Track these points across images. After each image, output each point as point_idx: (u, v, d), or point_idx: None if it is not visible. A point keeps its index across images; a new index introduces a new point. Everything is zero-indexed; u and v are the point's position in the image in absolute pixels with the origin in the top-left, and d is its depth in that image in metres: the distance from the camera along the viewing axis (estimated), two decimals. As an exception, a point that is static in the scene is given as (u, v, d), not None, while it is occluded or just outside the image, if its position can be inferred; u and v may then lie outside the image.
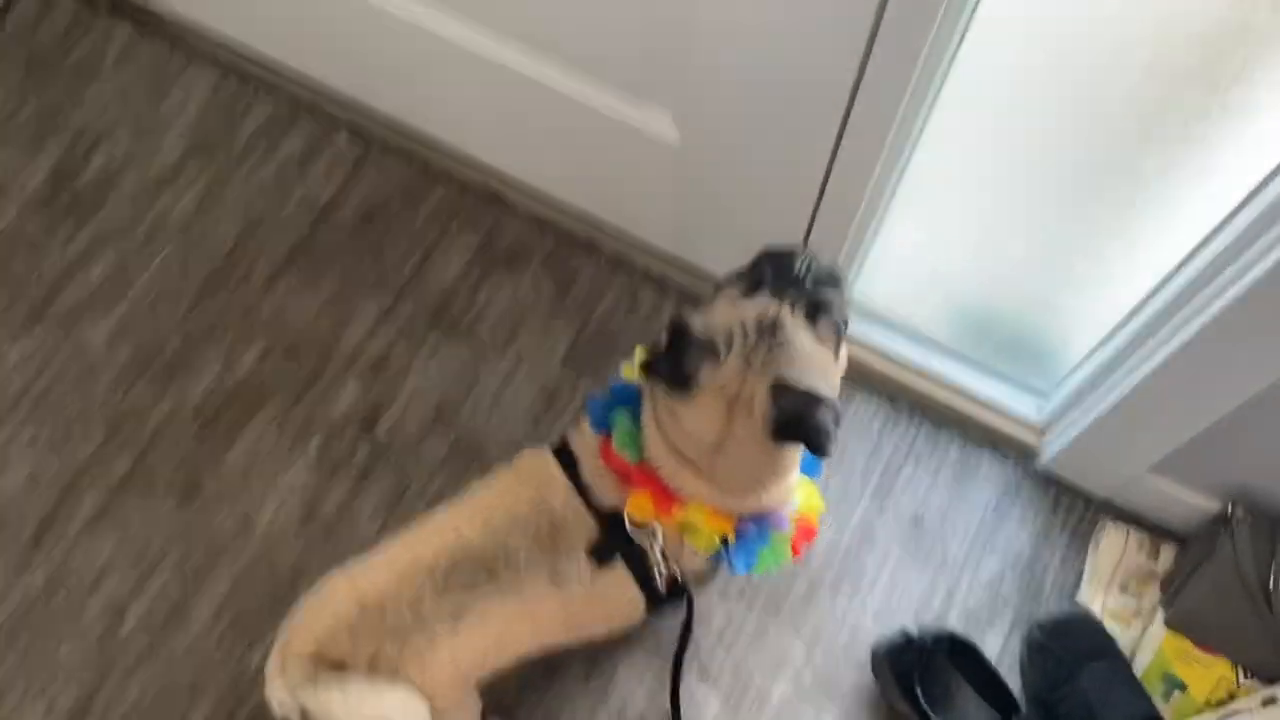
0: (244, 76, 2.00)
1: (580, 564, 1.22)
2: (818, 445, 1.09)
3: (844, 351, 1.22)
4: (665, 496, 1.20)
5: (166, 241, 1.89)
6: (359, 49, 1.76)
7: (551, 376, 1.79)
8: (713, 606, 1.69)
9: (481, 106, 1.73)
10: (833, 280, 1.22)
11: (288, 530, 1.71)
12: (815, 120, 1.38)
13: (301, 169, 1.94)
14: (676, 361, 1.10)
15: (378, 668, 1.18)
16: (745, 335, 1.13)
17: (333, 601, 1.21)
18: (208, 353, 1.82)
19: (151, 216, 1.90)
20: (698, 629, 1.67)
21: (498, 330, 1.83)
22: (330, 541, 1.69)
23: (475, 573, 1.20)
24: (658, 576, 1.25)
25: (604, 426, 1.24)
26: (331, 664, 1.18)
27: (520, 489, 1.25)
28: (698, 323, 1.14)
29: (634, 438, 1.21)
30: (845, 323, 1.21)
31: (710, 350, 1.11)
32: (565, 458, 1.26)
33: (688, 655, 1.64)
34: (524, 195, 1.89)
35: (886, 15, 1.19)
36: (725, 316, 1.15)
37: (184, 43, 2.02)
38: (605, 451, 1.23)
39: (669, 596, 1.30)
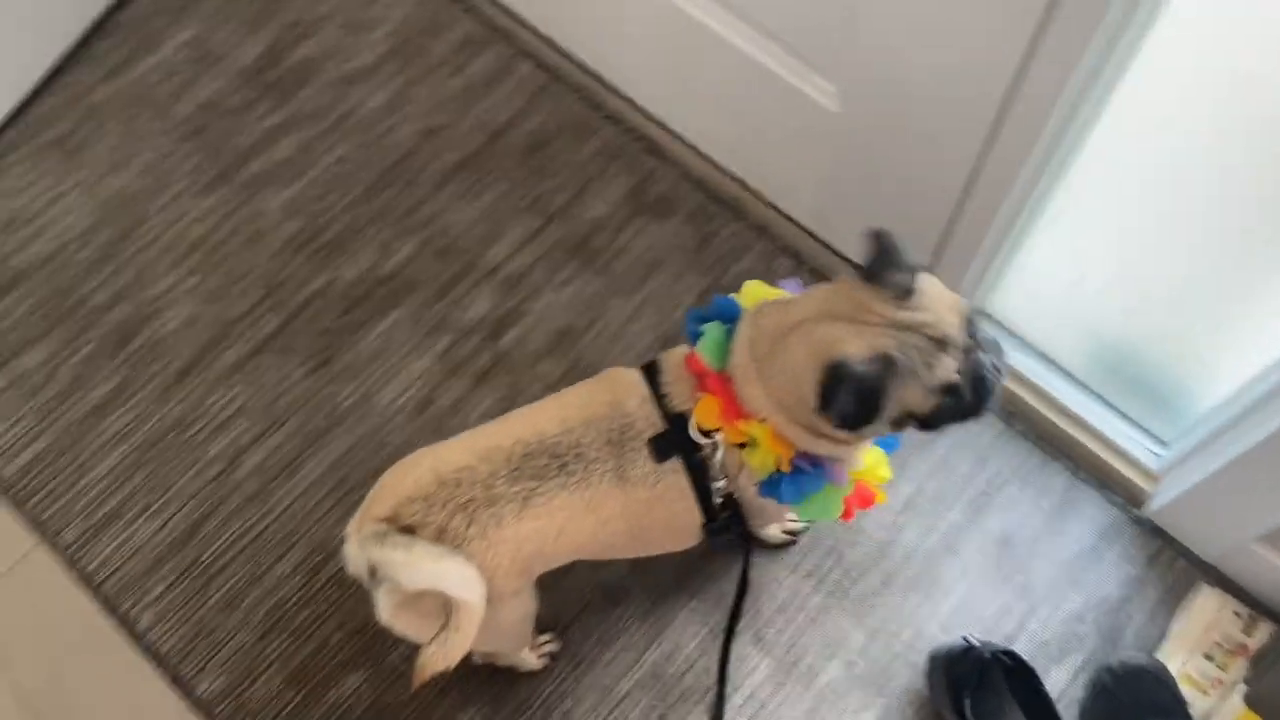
0: (451, -6, 2.12)
1: (644, 464, 1.27)
2: (859, 427, 1.15)
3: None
4: (733, 408, 1.24)
5: (351, 133, 2.02)
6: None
7: (673, 324, 1.84)
8: (780, 579, 1.71)
9: (659, 55, 1.78)
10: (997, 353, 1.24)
11: (402, 414, 1.81)
12: (968, 115, 1.38)
13: (486, 89, 2.04)
14: (891, 263, 1.15)
15: (444, 538, 1.25)
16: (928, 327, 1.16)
17: (414, 472, 1.29)
18: (366, 241, 1.94)
19: (342, 108, 2.04)
20: (760, 597, 1.69)
21: (633, 271, 1.89)
22: (438, 432, 1.78)
23: (547, 463, 1.26)
24: (714, 489, 1.28)
25: (697, 334, 1.29)
26: (403, 528, 1.26)
27: (600, 393, 1.31)
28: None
29: (720, 346, 1.26)
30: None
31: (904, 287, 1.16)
32: (650, 370, 1.32)
33: (744, 616, 1.68)
34: (683, 149, 1.94)
35: (1052, 18, 1.19)
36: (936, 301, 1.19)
37: (404, -45, 2.16)
38: (691, 357, 1.28)
39: (724, 528, 1.33)
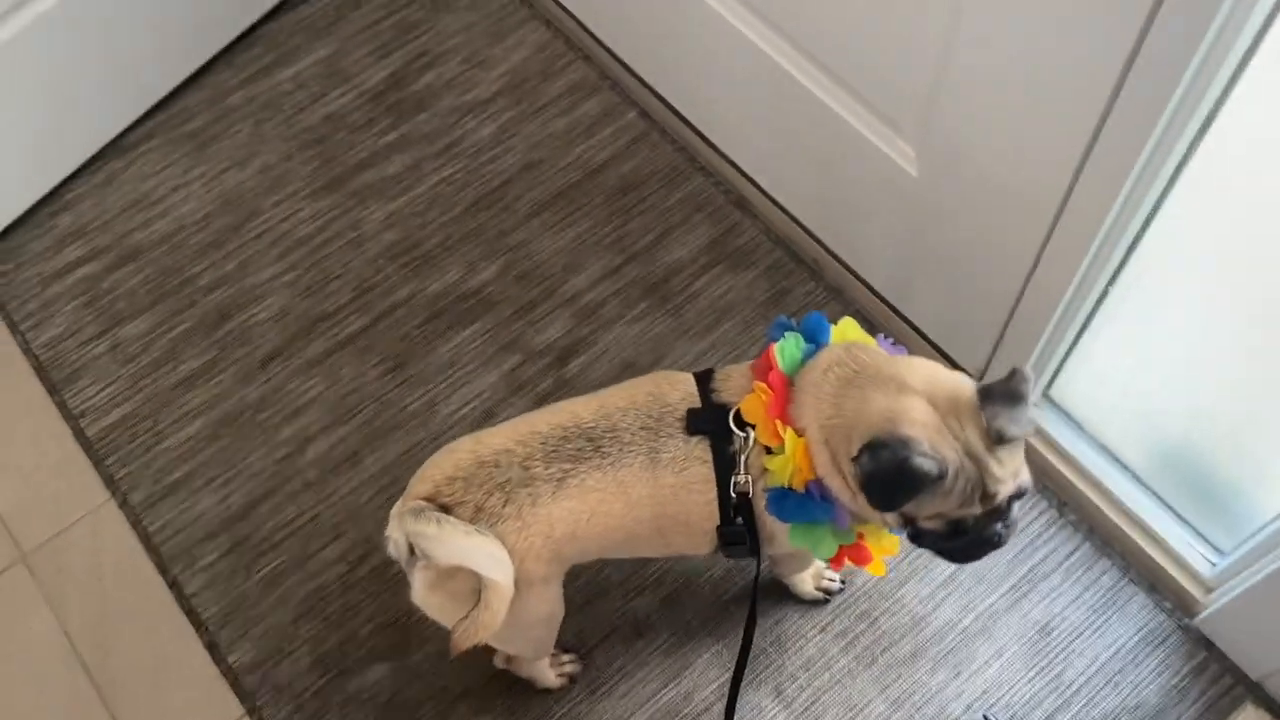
0: (570, 41, 2.22)
1: (675, 448, 1.31)
2: (869, 495, 1.20)
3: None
4: (780, 409, 1.27)
5: (457, 158, 2.13)
6: (664, 36, 1.93)
7: (736, 371, 1.87)
8: (809, 636, 1.69)
9: (754, 111, 1.85)
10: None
11: (462, 425, 1.87)
12: (1036, 193, 1.40)
13: (589, 131, 2.13)
14: (1011, 402, 1.19)
15: (480, 516, 1.29)
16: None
17: (455, 455, 1.34)
18: (456, 258, 2.03)
19: (453, 135, 2.15)
20: (786, 650, 1.68)
21: (703, 316, 1.93)
22: (492, 446, 1.83)
23: (583, 446, 1.31)
24: (734, 481, 1.30)
25: (779, 336, 1.33)
26: (442, 507, 1.31)
27: (644, 385, 1.36)
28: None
29: (794, 354, 1.30)
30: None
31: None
32: (703, 375, 1.36)
33: (768, 669, 1.67)
34: (769, 206, 1.99)
35: (1116, 106, 1.21)
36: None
37: (531, 1, 2.28)
38: (766, 351, 1.32)
39: (738, 538, 1.34)
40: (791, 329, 1.35)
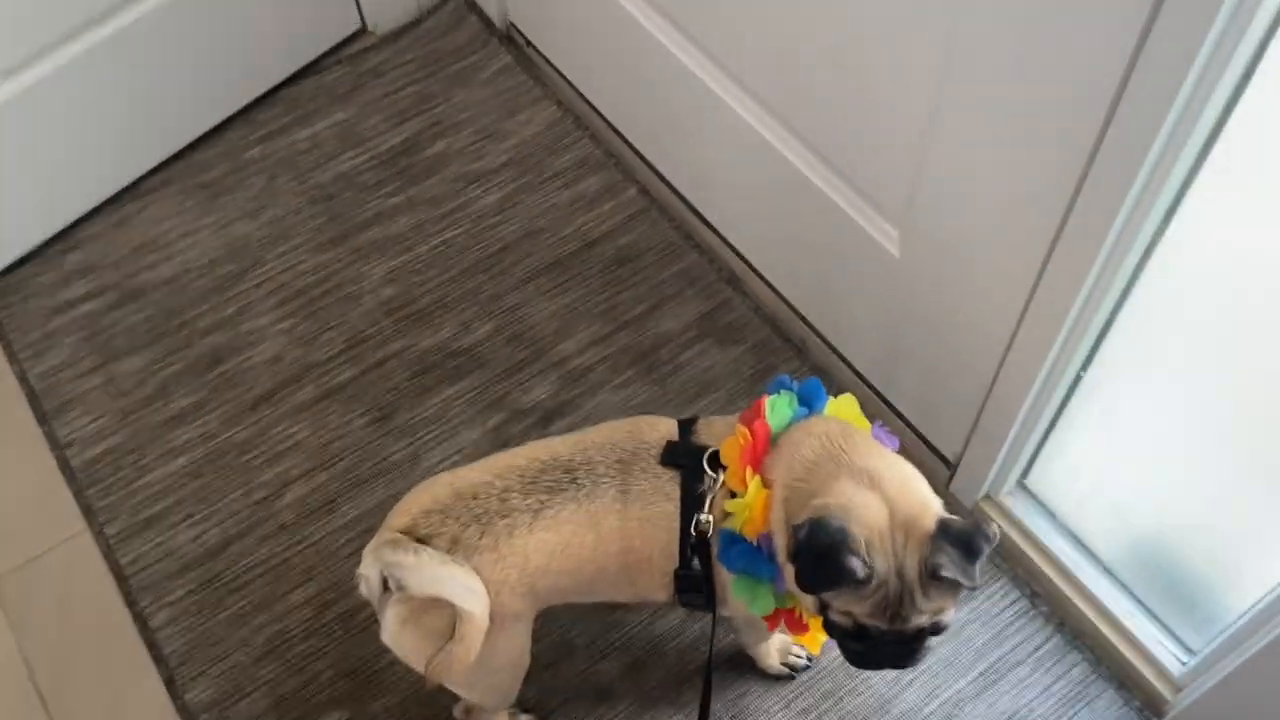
0: (578, 120, 2.30)
1: (646, 483, 1.33)
2: (796, 567, 1.21)
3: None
4: (756, 458, 1.29)
5: (460, 222, 2.18)
6: (666, 117, 2.00)
7: (716, 442, 1.88)
8: (773, 713, 1.67)
9: (748, 192, 1.90)
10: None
11: (441, 478, 1.88)
12: (1009, 277, 1.44)
13: (590, 205, 2.19)
14: (963, 550, 1.20)
15: (457, 548, 1.31)
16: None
17: (434, 488, 1.36)
18: (449, 317, 2.07)
19: (459, 200, 2.21)
20: (749, 721, 1.66)
21: (687, 387, 1.96)
22: (469, 500, 1.84)
23: (559, 478, 1.33)
24: (697, 519, 1.31)
25: (775, 391, 1.36)
26: (419, 539, 1.32)
27: (623, 426, 1.40)
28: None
29: (785, 413, 1.33)
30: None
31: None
32: (687, 421, 1.39)
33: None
34: (760, 285, 2.03)
35: (1083, 188, 1.26)
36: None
37: (544, 80, 2.37)
38: (756, 405, 1.34)
39: (694, 585, 1.34)
40: (790, 389, 1.38)
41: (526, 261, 2.13)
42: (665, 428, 1.38)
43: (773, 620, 1.35)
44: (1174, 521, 1.59)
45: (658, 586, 1.38)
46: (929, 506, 1.24)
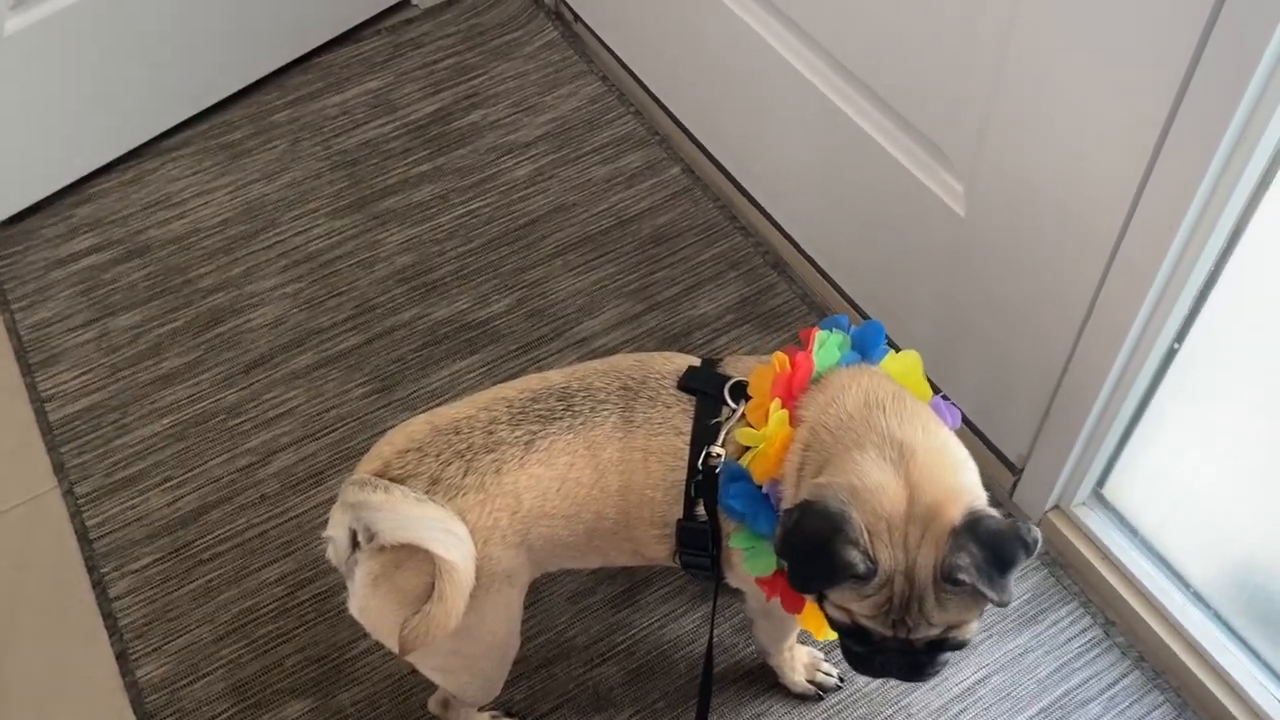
0: (622, 96, 2.15)
1: (652, 411, 1.15)
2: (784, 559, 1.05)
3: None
4: (787, 393, 1.11)
5: (488, 193, 2.03)
6: (714, 77, 1.84)
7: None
8: (796, 735, 1.44)
9: (799, 157, 1.72)
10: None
11: (440, 454, 1.70)
12: (1094, 223, 1.24)
13: (629, 182, 2.03)
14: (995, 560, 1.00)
15: (438, 489, 1.12)
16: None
17: (410, 427, 1.19)
18: (467, 289, 1.90)
19: (488, 171, 2.06)
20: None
21: (720, 372, 1.76)
22: (468, 478, 1.66)
23: (553, 406, 1.15)
24: (709, 451, 1.12)
25: (828, 328, 1.19)
26: (393, 479, 1.14)
27: (631, 357, 1.22)
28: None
29: (834, 353, 1.15)
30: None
31: None
32: (711, 359, 1.21)
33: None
34: (806, 269, 1.84)
35: (1172, 129, 1.07)
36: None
37: (590, 56, 2.23)
38: (804, 334, 1.17)
39: (699, 537, 1.14)
40: (844, 331, 1.19)
41: (555, 236, 1.96)
42: (681, 361, 1.20)
43: (770, 586, 1.14)
44: (1276, 538, 1.34)
45: (658, 539, 1.18)
46: (959, 495, 1.02)
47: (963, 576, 0.97)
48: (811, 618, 1.13)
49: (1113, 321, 1.28)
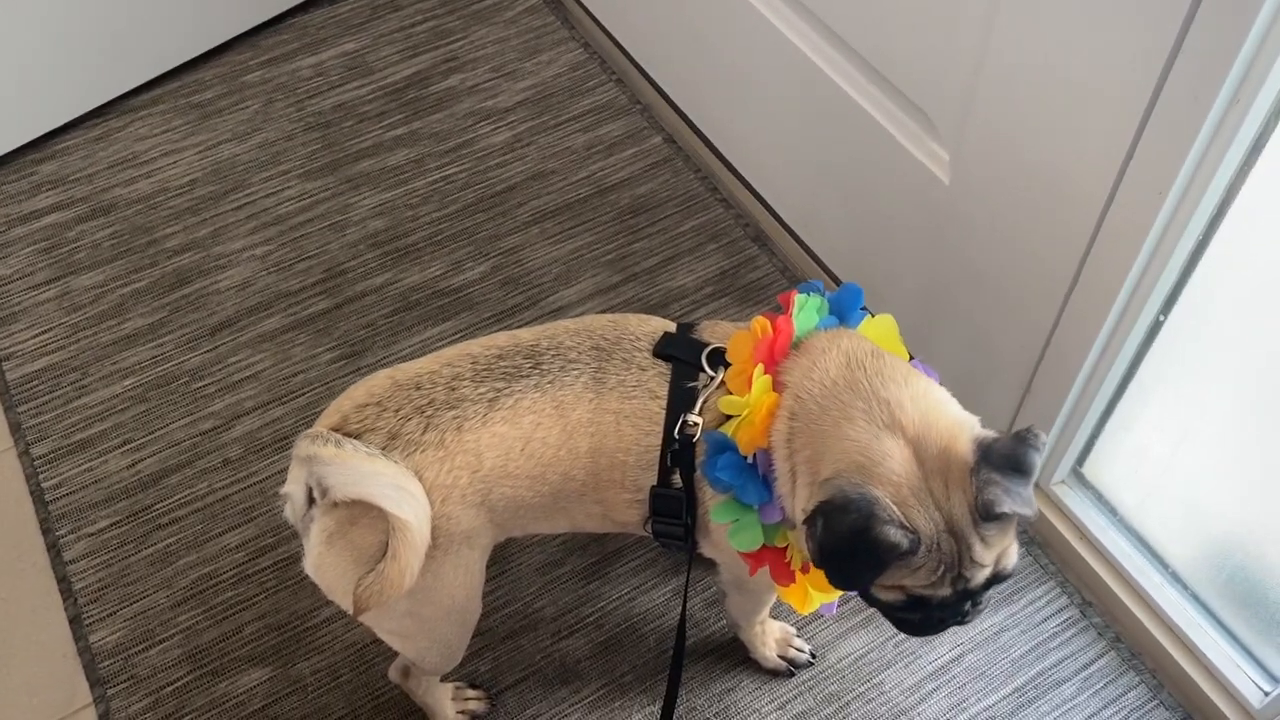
0: (604, 64, 2.11)
1: (625, 373, 1.11)
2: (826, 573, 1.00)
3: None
4: (769, 358, 1.07)
5: (465, 159, 1.99)
6: (696, 42, 1.80)
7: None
8: (763, 713, 1.41)
9: (783, 126, 1.69)
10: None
11: (409, 421, 1.66)
12: (1081, 188, 1.20)
13: (609, 151, 1.99)
14: (1010, 471, 0.98)
15: (395, 445, 1.08)
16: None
17: (368, 383, 1.14)
18: (441, 255, 1.86)
19: (465, 137, 2.02)
20: (735, 720, 1.40)
21: (697, 343, 1.72)
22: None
23: (520, 363, 1.11)
24: (683, 420, 1.08)
25: (805, 292, 1.14)
26: (350, 434, 1.10)
27: (605, 317, 1.17)
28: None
29: (813, 316, 1.11)
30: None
31: None
32: (687, 324, 1.17)
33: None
34: (788, 242, 1.81)
35: (1164, 90, 1.05)
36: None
37: (572, 22, 2.18)
38: (782, 297, 1.13)
39: (672, 505, 1.10)
40: (821, 294, 1.15)
41: (532, 204, 1.92)
42: (657, 324, 1.16)
43: (756, 560, 1.10)
44: (1261, 522, 1.32)
45: (629, 503, 1.14)
46: (960, 432, 0.99)
47: (1002, 509, 0.95)
48: (796, 592, 1.10)
49: (1099, 290, 1.26)
